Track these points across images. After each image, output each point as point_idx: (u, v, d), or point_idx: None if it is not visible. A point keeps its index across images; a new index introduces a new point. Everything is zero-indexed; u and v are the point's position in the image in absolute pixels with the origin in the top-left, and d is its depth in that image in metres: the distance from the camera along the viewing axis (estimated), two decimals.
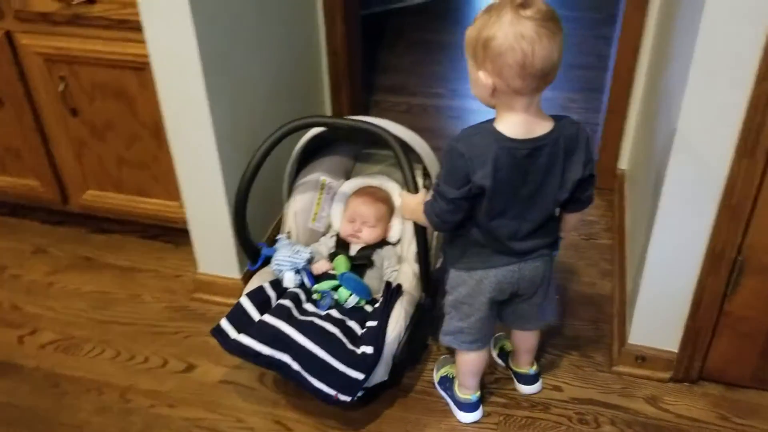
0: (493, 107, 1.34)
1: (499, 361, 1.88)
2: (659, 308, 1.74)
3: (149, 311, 2.12)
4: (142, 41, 1.78)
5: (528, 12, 1.20)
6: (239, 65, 1.90)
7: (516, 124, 1.30)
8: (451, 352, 1.81)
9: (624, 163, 2.45)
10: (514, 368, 1.84)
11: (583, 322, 2.03)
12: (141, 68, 1.88)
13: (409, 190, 1.61)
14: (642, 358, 1.84)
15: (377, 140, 2.01)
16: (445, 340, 1.65)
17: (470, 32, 1.27)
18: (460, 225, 1.43)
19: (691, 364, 1.80)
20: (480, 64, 1.27)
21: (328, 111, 2.65)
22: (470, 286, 1.51)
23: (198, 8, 1.64)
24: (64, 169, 2.19)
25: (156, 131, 2.00)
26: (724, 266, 1.60)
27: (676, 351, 1.80)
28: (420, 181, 1.81)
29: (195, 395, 1.85)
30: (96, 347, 1.99)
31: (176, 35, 1.66)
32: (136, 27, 1.77)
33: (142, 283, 2.22)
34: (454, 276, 1.55)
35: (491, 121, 1.34)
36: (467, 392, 1.74)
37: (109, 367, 1.93)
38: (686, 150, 1.47)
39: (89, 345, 2.00)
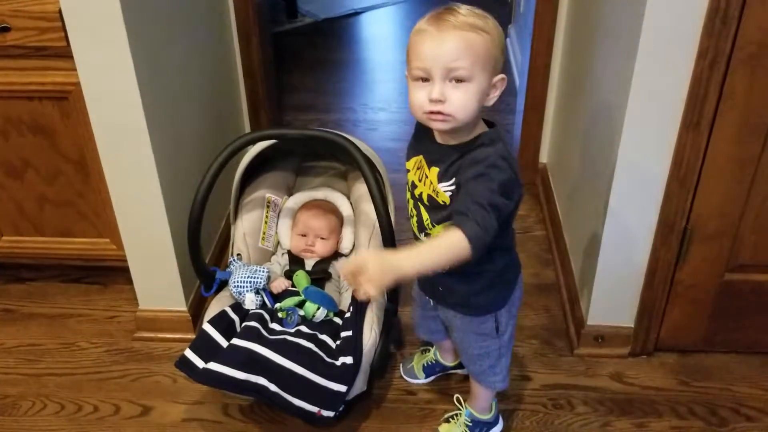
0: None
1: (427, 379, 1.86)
2: (616, 286, 1.80)
3: (88, 358, 1.96)
4: (64, 69, 1.68)
5: None
6: (168, 87, 1.82)
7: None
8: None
9: (544, 157, 2.54)
10: (451, 364, 1.84)
11: (536, 311, 2.07)
12: (63, 98, 1.76)
13: (377, 208, 1.58)
14: (601, 337, 1.90)
15: (327, 150, 2.00)
16: (506, 383, 1.57)
17: (494, 43, 1.20)
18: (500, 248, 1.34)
19: (648, 337, 1.88)
20: (499, 69, 1.23)
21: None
22: (512, 311, 1.48)
23: (132, 28, 1.56)
24: None
25: (81, 165, 1.87)
26: (674, 236, 1.69)
27: (632, 326, 1.87)
28: (390, 197, 1.79)
29: None
30: (36, 403, 1.83)
31: (111, 57, 1.56)
32: (57, 54, 1.66)
33: (75, 329, 2.06)
34: (502, 315, 1.46)
35: (484, 129, 1.29)
36: (492, 404, 1.69)
37: (55, 423, 1.78)
38: (636, 127, 1.54)
39: (27, 402, 1.83)
